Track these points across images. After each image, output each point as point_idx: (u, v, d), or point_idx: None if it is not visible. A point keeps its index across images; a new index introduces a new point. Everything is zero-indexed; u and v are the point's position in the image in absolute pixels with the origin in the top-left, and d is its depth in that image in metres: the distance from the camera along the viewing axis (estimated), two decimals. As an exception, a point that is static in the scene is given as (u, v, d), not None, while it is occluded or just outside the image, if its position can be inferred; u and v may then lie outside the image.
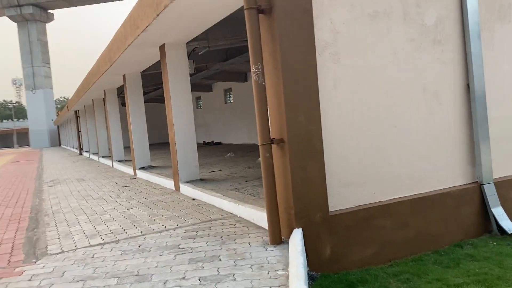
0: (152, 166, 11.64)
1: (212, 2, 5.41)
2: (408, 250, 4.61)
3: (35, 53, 53.68)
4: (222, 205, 5.87)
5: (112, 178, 11.36)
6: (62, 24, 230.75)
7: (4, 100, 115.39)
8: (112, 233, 5.22)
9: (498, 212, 5.09)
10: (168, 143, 8.48)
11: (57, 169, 15.92)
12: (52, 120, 54.37)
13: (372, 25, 4.57)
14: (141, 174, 10.78)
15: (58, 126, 54.67)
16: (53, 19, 57.06)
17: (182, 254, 4.13)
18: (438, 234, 4.80)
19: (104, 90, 14.71)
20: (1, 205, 8.32)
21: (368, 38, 4.56)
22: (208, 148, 18.21)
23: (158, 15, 5.61)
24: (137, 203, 7.08)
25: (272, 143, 4.14)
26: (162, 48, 7.72)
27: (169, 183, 8.41)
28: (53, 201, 8.20)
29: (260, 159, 4.26)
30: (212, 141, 20.48)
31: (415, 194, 4.78)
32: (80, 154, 25.50)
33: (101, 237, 5.04)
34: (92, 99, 18.09)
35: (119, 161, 14.75)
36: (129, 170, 12.32)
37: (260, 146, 4.15)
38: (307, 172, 4.13)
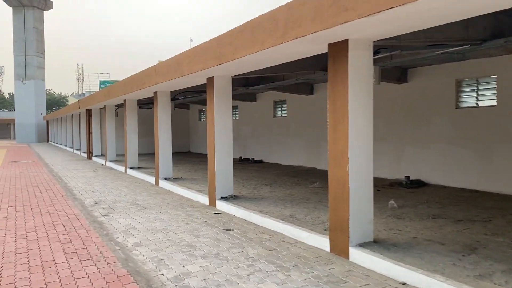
0: (235, 196, 9.06)
1: None
2: None
3: (30, 41, 50.04)
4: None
5: (181, 207, 8.72)
6: (60, 14, 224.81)
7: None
8: None
9: None
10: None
11: (80, 181, 13.11)
12: (42, 114, 50.66)
13: None
14: (227, 208, 8.20)
15: (47, 121, 51.04)
16: (52, 7, 53.67)
17: None
18: None
19: (156, 92, 12.07)
20: (67, 252, 5.62)
21: None
22: (249, 167, 15.67)
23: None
24: (314, 283, 4.54)
25: None
26: (339, 45, 5.27)
27: (312, 239, 5.89)
28: (146, 253, 5.57)
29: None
30: (253, 158, 17.93)
31: None
32: (89, 158, 22.52)
33: None
34: (124, 100, 15.36)
35: (166, 179, 12.07)
36: (193, 195, 9.71)
37: None
38: None
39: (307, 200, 8.78)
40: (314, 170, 14.53)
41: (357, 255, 5.12)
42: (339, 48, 5.28)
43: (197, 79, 9.23)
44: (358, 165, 5.28)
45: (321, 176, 12.93)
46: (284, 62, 6.89)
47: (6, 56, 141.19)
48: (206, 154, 23.53)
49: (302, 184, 11.20)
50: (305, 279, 4.60)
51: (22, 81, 49.99)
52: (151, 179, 12.74)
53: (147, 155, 22.10)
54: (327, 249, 5.58)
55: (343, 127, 5.25)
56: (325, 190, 10.10)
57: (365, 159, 5.35)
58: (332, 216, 5.51)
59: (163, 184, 11.75)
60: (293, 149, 16.13)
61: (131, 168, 15.37)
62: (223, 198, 8.78)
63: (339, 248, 5.37)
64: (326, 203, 8.39)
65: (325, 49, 5.73)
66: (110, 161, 18.70)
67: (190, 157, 21.50)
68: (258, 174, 13.49)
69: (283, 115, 16.98)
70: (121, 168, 16.37)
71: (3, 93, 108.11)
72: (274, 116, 17.41)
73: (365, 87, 5.31)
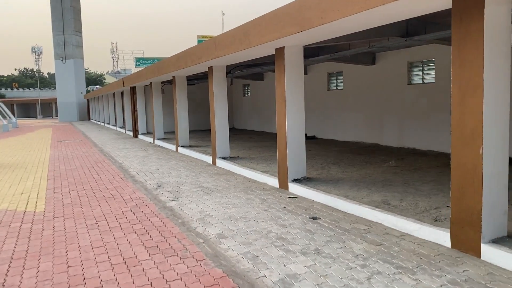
0: (308, 178, 8.31)
1: None
2: None
3: (67, 21, 50.22)
4: None
5: (250, 190, 8.06)
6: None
7: (25, 68, 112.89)
8: None
9: None
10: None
11: (134, 161, 12.69)
12: (82, 93, 51.30)
13: None
14: (303, 191, 7.46)
15: (88, 100, 51.71)
16: (87, -15, 53.44)
17: None
18: None
19: (211, 67, 11.33)
20: (147, 246, 5.03)
21: None
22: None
23: None
24: None
25: None
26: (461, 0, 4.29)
27: (423, 231, 5.06)
28: (235, 247, 4.92)
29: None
30: (305, 134, 17.03)
31: None
32: (135, 136, 22.29)
33: None
34: (174, 76, 14.73)
35: (223, 158, 11.45)
36: (259, 177, 9.02)
37: None
38: None
39: (390, 182, 7.91)
40: (377, 146, 13.56)
41: (491, 254, 4.27)
42: (471, 3, 4.29)
43: (264, 51, 8.39)
44: (493, 146, 4.37)
45: (386, 152, 11.99)
46: (380, 25, 5.93)
47: (43, 37, 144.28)
48: (252, 130, 23.27)
49: (373, 162, 10.30)
50: (441, 286, 3.81)
51: (62, 60, 50.52)
52: (207, 158, 12.15)
53: (192, 132, 21.65)
54: (447, 244, 4.75)
55: (476, 100, 4.31)
56: (404, 169, 9.19)
57: (501, 138, 4.42)
58: (456, 207, 4.64)
59: (221, 163, 11.13)
60: (351, 124, 15.15)
61: (182, 146, 14.87)
62: (295, 180, 8.05)
63: (467, 245, 4.52)
64: (415, 186, 7.51)
65: (444, 7, 4.75)
66: (158, 139, 18.33)
67: (237, 134, 20.88)
68: (318, 152, 12.67)
69: (339, 87, 15.93)
70: (171, 147, 15.92)
71: (42, 73, 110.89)
72: (329, 89, 16.39)
73: (503, 50, 4.33)
